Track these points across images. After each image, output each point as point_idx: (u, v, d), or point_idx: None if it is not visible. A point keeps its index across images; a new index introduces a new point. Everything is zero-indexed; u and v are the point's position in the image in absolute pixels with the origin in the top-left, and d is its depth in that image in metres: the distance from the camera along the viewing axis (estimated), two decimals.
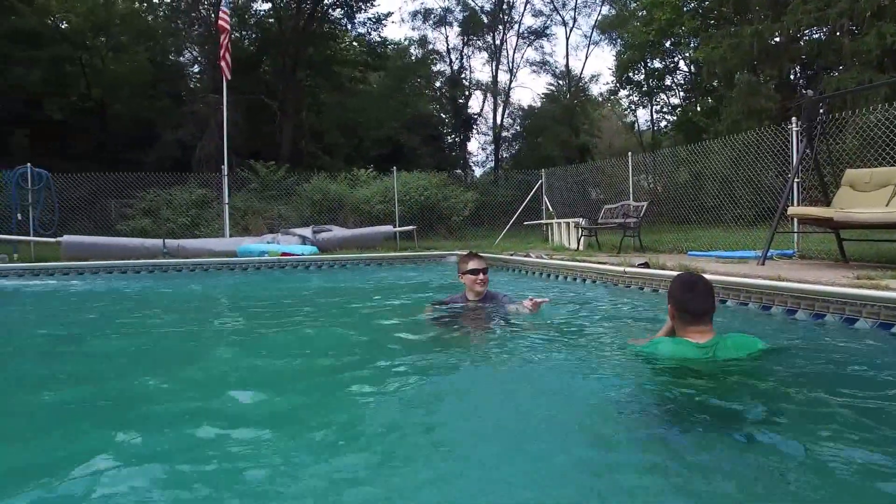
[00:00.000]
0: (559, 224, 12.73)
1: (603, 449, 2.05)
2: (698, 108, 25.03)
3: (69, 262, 10.32)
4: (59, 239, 11.53)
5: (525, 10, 33.38)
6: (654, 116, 30.91)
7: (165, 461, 1.97)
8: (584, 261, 7.85)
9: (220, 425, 2.29)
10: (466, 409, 2.50)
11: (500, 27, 32.94)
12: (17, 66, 19.90)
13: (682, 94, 29.06)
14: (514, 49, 33.96)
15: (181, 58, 26.28)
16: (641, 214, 10.51)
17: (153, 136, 21.62)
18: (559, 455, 1.99)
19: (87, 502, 1.70)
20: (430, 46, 33.79)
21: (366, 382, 2.91)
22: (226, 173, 13.80)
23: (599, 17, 33.47)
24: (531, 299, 4.17)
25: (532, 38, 34.19)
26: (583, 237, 11.42)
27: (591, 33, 34.35)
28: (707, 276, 5.30)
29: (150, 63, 24.31)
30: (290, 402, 2.67)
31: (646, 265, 6.80)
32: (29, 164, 12.36)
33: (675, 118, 28.75)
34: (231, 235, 13.50)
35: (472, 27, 32.70)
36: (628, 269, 6.34)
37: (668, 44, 25.89)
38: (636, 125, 33.45)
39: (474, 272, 4.34)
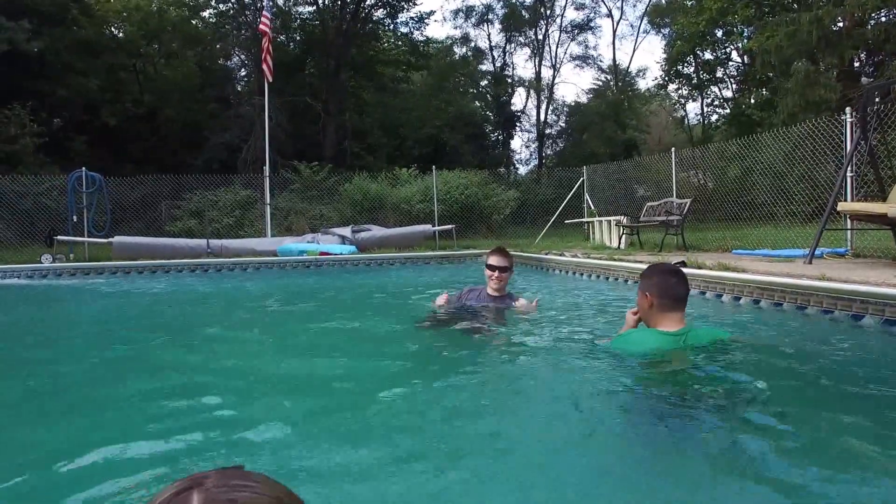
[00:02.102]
0: (600, 222, 12.41)
1: (584, 449, 2.04)
2: (752, 101, 24.01)
3: (119, 262, 10.73)
4: (110, 240, 12.00)
5: (567, 2, 32.86)
6: (705, 110, 29.89)
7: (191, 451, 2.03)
8: (620, 260, 7.61)
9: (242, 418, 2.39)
10: (439, 414, 2.45)
11: (542, 22, 32.50)
12: (78, 75, 20.90)
13: (734, 86, 27.96)
14: (557, 44, 33.47)
15: (228, 62, 27.07)
16: (685, 212, 10.13)
17: (201, 140, 22.30)
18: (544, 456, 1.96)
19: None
20: (473, 44, 33.68)
21: (357, 381, 2.96)
22: (267, 174, 14.08)
23: (649, 7, 32.58)
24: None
25: (575, 31, 33.62)
26: (624, 235, 11.10)
27: (640, 24, 33.53)
28: (744, 276, 5.09)
29: (199, 68, 25.09)
30: (296, 397, 2.71)
31: (683, 264, 6.54)
32: (84, 168, 12.93)
33: (727, 111, 27.69)
34: (274, 235, 13.76)
35: (514, 23, 32.37)
36: None
37: (719, 34, 24.93)
38: (686, 120, 32.38)
39: (491, 268, 4.34)
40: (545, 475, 1.83)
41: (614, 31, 34.80)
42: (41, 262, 10.66)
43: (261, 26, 14.25)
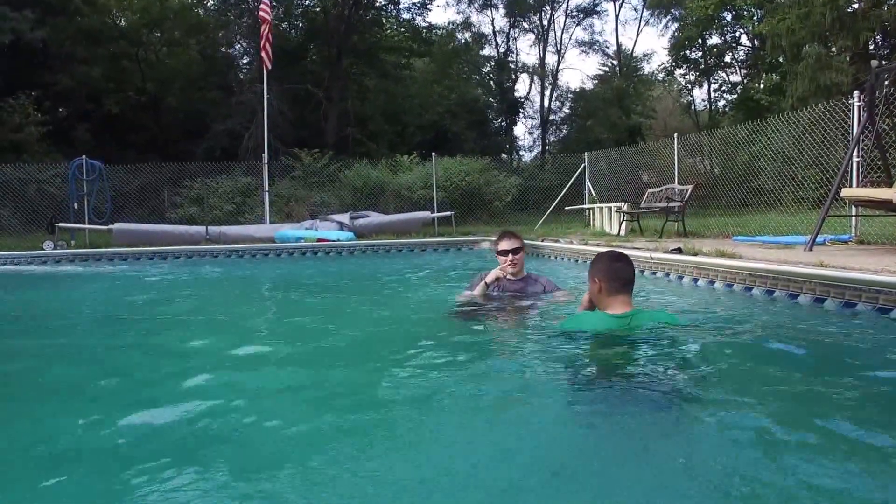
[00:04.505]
0: (601, 209, 12.27)
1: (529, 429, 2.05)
2: (761, 86, 23.59)
3: (119, 249, 10.74)
4: (110, 227, 12.03)
5: None
6: (712, 96, 29.40)
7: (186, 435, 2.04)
8: (617, 246, 7.48)
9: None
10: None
11: (547, 7, 32.03)
12: (82, 64, 20.92)
13: (742, 71, 27.46)
14: (563, 29, 33.04)
15: (231, 50, 26.94)
16: (685, 198, 9.95)
17: (204, 127, 22.25)
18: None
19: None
20: (476, 29, 33.29)
21: (362, 371, 2.92)
22: (266, 161, 14.03)
23: None
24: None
25: (581, 16, 33.13)
26: (625, 222, 10.93)
27: (642, 9, 32.96)
28: (736, 263, 4.95)
29: (201, 56, 25.02)
30: (300, 386, 2.68)
31: (679, 251, 6.41)
32: (84, 156, 12.94)
33: (734, 97, 27.23)
34: (276, 222, 13.72)
35: (518, 8, 31.91)
36: (654, 255, 5.96)
37: (728, 17, 24.46)
38: (692, 105, 31.85)
39: (504, 253, 4.12)
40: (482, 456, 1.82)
41: (617, 16, 34.20)
42: (43, 249, 10.70)
43: (260, 13, 14.11)
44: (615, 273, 2.91)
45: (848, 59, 17.43)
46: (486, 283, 4.14)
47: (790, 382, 2.49)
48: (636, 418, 2.06)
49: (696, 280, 5.30)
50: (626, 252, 6.56)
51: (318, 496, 1.58)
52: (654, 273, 5.90)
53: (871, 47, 19.55)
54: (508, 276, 4.13)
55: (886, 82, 7.52)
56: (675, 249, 6.43)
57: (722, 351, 2.90)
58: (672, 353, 2.75)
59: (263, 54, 13.86)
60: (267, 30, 13.93)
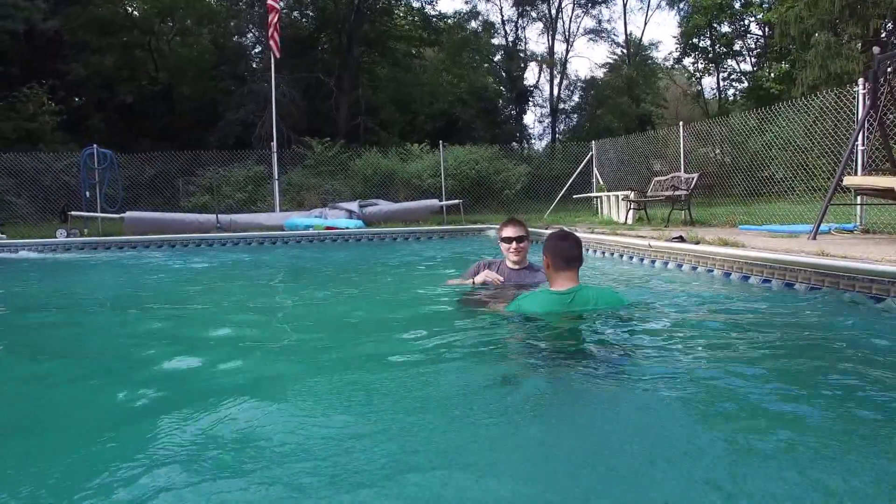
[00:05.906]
0: (608, 197, 12.31)
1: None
2: (771, 74, 23.33)
3: (130, 237, 10.94)
4: (122, 215, 12.22)
5: None
6: (721, 84, 29.08)
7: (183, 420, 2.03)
8: (622, 235, 7.55)
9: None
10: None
11: None
12: (95, 53, 21.11)
13: (752, 59, 27.13)
14: (571, 18, 32.79)
15: (243, 39, 27.03)
16: (692, 187, 9.98)
17: (216, 116, 22.43)
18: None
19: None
20: (483, 18, 33.05)
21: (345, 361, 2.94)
22: (275, 150, 14.17)
23: None
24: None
25: (589, 4, 32.84)
26: (631, 210, 10.98)
27: None
28: (738, 252, 5.02)
29: (213, 45, 25.14)
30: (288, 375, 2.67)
31: (681, 239, 6.45)
32: (95, 145, 13.12)
33: (744, 85, 26.95)
34: (288, 210, 13.87)
35: None
36: (653, 244, 6.03)
37: (737, 5, 24.18)
38: (701, 94, 31.54)
39: (507, 240, 4.07)
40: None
41: (625, 4, 33.94)
42: (56, 237, 10.91)
43: (268, 1, 14.19)
44: (560, 251, 3.12)
45: (859, 46, 17.24)
46: (473, 282, 4.13)
47: (729, 368, 2.50)
48: (582, 392, 2.18)
49: (694, 268, 5.37)
50: (625, 239, 6.67)
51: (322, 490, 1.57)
52: (653, 261, 5.97)
53: (883, 35, 19.28)
54: (510, 265, 4.14)
55: (890, 69, 7.49)
56: (676, 238, 6.47)
57: (666, 330, 3.09)
58: (606, 329, 2.93)
59: (271, 43, 13.97)
60: (275, 19, 14.02)
